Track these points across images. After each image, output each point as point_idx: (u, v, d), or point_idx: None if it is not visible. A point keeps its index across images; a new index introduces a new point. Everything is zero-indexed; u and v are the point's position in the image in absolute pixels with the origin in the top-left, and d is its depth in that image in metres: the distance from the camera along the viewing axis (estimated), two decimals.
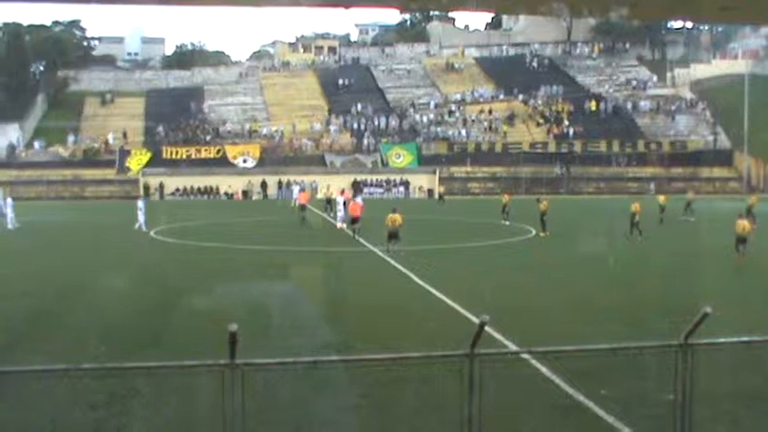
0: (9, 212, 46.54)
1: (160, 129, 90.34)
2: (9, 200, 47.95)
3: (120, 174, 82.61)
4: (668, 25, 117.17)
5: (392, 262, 29.90)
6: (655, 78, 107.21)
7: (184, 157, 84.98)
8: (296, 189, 72.29)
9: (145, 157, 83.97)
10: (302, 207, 50.86)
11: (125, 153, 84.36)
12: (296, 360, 10.28)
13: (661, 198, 49.58)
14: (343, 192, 52.98)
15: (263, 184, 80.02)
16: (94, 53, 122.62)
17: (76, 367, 9.18)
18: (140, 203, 45.34)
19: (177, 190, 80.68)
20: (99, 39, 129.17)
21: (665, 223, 46.38)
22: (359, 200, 45.15)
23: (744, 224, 31.58)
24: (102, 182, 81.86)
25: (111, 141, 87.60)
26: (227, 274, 29.00)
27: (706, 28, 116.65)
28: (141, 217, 43.95)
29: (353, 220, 38.75)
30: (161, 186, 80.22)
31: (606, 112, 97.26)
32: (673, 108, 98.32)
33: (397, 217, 33.15)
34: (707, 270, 29.37)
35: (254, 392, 9.39)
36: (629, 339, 12.42)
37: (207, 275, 28.48)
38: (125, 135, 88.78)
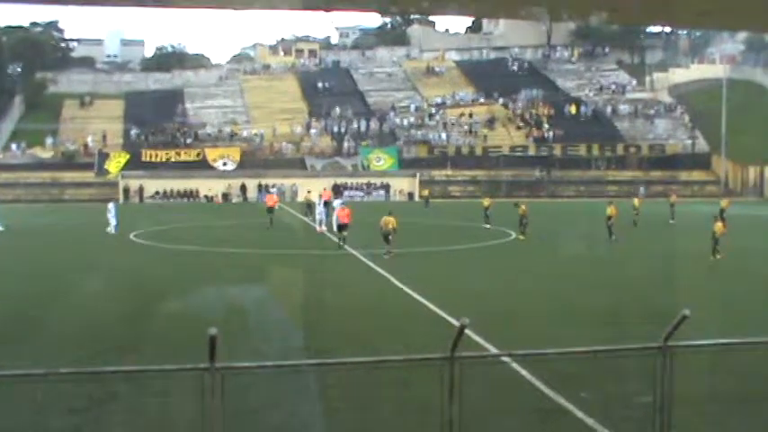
0: None
1: (140, 131, 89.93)
2: None
3: (99, 176, 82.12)
4: (647, 30, 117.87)
5: (372, 265, 29.88)
6: (634, 82, 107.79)
7: (164, 159, 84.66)
8: (275, 192, 72.33)
9: (124, 159, 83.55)
10: (270, 209, 50.80)
11: (104, 156, 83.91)
12: (276, 363, 10.28)
13: (635, 201, 50.12)
14: (324, 192, 52.87)
15: (243, 188, 79.87)
16: (73, 55, 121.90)
17: (55, 372, 9.12)
18: (111, 206, 44.99)
19: (157, 193, 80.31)
20: (78, 40, 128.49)
21: (645, 226, 46.72)
22: (338, 203, 44.98)
23: (719, 226, 32.58)
24: (80, 184, 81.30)
25: (89, 144, 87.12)
26: (207, 277, 28.88)
27: (684, 33, 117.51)
28: (112, 220, 43.62)
29: (341, 228, 36.08)
30: (140, 189, 79.84)
31: (586, 116, 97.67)
32: (652, 112, 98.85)
33: (391, 219, 33.41)
34: (685, 272, 29.54)
35: (234, 396, 9.36)
36: (609, 342, 12.47)
37: (186, 279, 28.38)
38: (104, 137, 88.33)
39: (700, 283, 27.35)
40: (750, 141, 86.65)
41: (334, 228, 41.94)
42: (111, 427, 12.36)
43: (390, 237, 32.91)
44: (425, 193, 67.30)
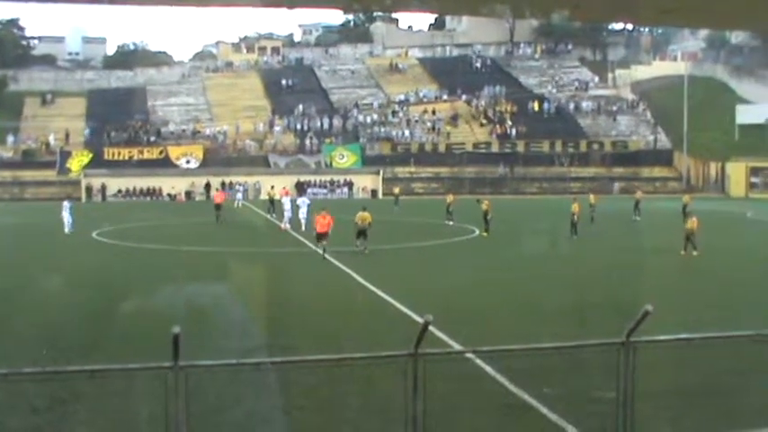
0: None
1: (102, 129, 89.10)
2: None
3: (61, 175, 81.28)
4: (609, 27, 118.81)
5: (336, 262, 29.84)
6: (596, 79, 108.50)
7: (127, 158, 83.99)
8: (238, 189, 72.05)
9: (86, 158, 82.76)
10: (217, 206, 50.63)
11: (66, 154, 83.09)
12: (239, 362, 10.23)
13: (592, 198, 50.56)
14: (287, 192, 52.81)
15: (208, 186, 79.21)
16: (34, 53, 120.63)
17: (17, 371, 9.02)
18: (66, 204, 44.46)
19: (120, 191, 79.68)
20: (39, 38, 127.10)
21: (609, 223, 47.18)
22: (302, 201, 44.88)
23: (692, 222, 33.24)
24: (42, 183, 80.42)
25: (51, 142, 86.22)
26: (170, 276, 28.70)
27: (646, 30, 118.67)
28: (68, 218, 43.12)
29: (320, 236, 32.15)
30: (103, 188, 79.18)
31: (549, 113, 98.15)
32: (614, 108, 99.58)
33: (367, 215, 33.65)
34: (650, 268, 29.85)
35: (198, 394, 9.31)
36: (573, 338, 12.53)
37: (150, 278, 28.18)
38: (66, 136, 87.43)
39: (664, 278, 27.63)
40: (711, 138, 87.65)
41: (302, 227, 41.97)
42: (74, 427, 12.25)
43: (367, 232, 33.20)
44: (396, 190, 67.15)
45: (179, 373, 8.49)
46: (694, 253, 32.42)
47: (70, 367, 10.30)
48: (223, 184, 79.08)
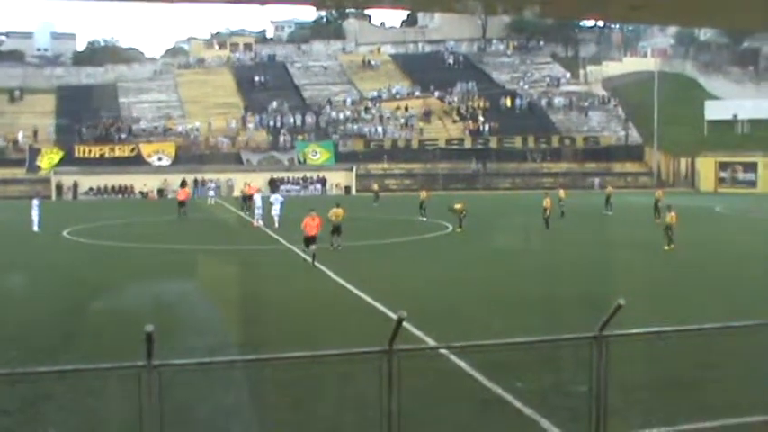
0: None
1: (72, 127, 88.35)
2: None
3: (31, 173, 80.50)
4: (581, 24, 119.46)
5: (310, 259, 29.82)
6: (568, 75, 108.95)
7: (98, 155, 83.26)
8: (210, 187, 71.69)
9: (56, 155, 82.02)
10: (181, 203, 50.42)
11: (35, 151, 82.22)
12: (213, 360, 10.21)
13: (561, 192, 51.01)
14: (254, 188, 52.63)
15: (183, 183, 78.15)
16: (1, 48, 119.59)
17: None
18: (35, 202, 43.99)
19: (91, 189, 79.09)
20: (6, 34, 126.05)
21: (581, 218, 47.52)
22: (275, 198, 44.80)
23: (672, 216, 33.59)
24: (10, 181, 79.47)
25: (20, 140, 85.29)
26: (142, 274, 28.57)
27: (617, 27, 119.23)
28: (35, 216, 42.68)
29: (309, 240, 29.36)
30: (74, 186, 78.56)
31: (521, 109, 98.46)
32: (586, 104, 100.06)
33: (341, 211, 33.83)
34: (623, 262, 30.07)
35: (171, 393, 9.28)
36: (546, 332, 12.61)
37: (122, 276, 27.97)
38: (35, 133, 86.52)
39: (637, 272, 27.82)
40: (681, 133, 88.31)
41: (276, 224, 41.92)
42: (46, 428, 12.17)
43: (341, 228, 33.22)
44: (375, 187, 67.10)
45: (152, 372, 8.45)
46: (665, 247, 32.68)
47: (41, 368, 10.22)
48: (196, 181, 78.75)
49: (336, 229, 33.07)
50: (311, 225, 29.32)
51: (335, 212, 33.67)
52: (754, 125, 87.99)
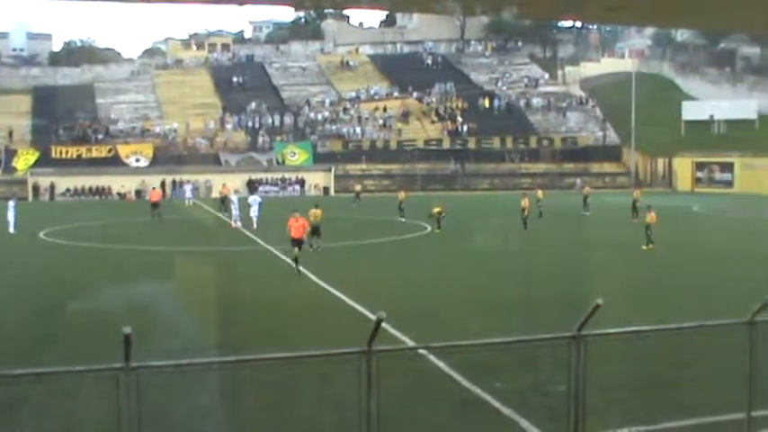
0: None
1: (49, 127, 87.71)
2: None
3: (6, 174, 79.88)
4: (558, 24, 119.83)
5: (288, 260, 29.78)
6: (546, 76, 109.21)
7: (75, 156, 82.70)
8: (188, 188, 71.23)
9: (33, 156, 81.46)
10: (154, 205, 50.20)
11: (11, 152, 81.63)
12: (191, 361, 10.14)
13: (540, 193, 51.31)
14: (229, 189, 52.52)
15: (162, 184, 77.61)
16: None
17: None
18: (11, 203, 43.65)
19: (68, 190, 78.59)
20: None
21: (559, 218, 47.72)
22: (253, 200, 44.63)
23: (652, 216, 33.98)
24: None
25: None
26: (120, 275, 28.43)
27: (595, 28, 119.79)
28: (11, 218, 42.37)
29: (296, 242, 28.18)
30: (51, 187, 78.03)
31: (499, 109, 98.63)
32: (564, 105, 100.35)
33: (319, 212, 34.01)
34: (601, 262, 30.19)
35: (150, 395, 9.23)
36: (525, 333, 12.65)
37: (99, 277, 27.84)
38: (11, 134, 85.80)
39: (616, 272, 27.96)
40: (658, 134, 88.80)
41: (254, 225, 41.83)
42: (22, 431, 12.09)
43: (320, 229, 33.24)
44: (357, 188, 66.98)
45: (130, 374, 8.40)
46: (643, 247, 32.92)
47: (17, 370, 10.14)
48: (174, 182, 78.42)
49: (315, 230, 32.99)
50: (296, 227, 28.39)
51: (314, 213, 33.73)
52: (731, 126, 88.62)
